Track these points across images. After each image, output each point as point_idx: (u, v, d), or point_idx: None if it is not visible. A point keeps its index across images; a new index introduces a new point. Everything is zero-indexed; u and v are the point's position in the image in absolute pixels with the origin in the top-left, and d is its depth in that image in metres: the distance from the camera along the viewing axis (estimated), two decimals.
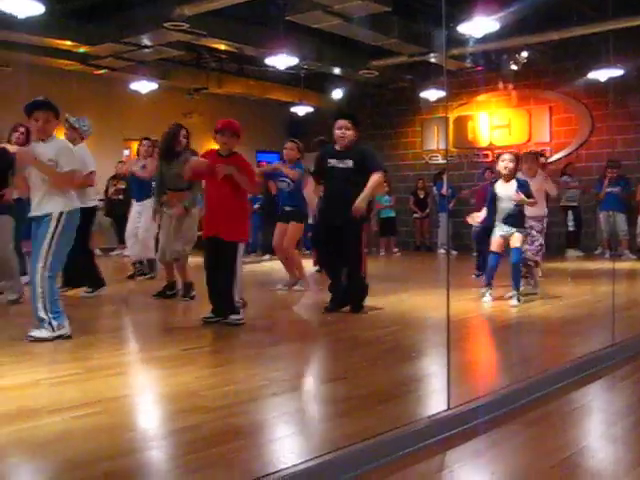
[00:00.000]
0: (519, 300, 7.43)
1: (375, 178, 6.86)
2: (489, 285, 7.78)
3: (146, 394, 4.04)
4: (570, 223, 14.90)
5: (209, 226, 6.40)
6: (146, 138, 10.21)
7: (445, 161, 17.22)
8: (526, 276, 8.25)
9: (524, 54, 14.59)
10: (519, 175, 7.89)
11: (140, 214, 9.77)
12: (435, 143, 17.99)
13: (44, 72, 14.13)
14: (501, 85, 16.52)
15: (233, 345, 5.79)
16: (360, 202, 6.73)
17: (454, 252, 15.55)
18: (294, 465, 2.84)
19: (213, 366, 4.76)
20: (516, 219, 7.63)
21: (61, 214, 5.54)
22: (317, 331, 6.44)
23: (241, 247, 6.31)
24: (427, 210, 17.10)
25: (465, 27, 11.24)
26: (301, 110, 17.55)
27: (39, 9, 9.60)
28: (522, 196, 7.52)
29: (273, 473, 2.74)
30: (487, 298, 7.70)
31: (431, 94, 15.87)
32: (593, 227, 15.09)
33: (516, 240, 7.55)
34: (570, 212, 14.93)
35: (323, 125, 17.13)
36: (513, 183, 7.64)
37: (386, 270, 13.59)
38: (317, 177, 7.44)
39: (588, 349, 5.05)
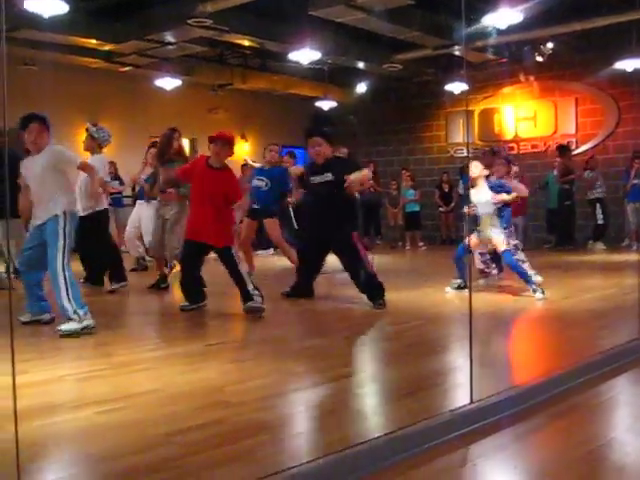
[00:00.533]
0: (542, 293, 7.35)
1: (362, 172, 7.14)
2: (459, 277, 7.76)
3: (169, 389, 4.06)
4: (599, 216, 14.74)
5: (195, 230, 6.73)
6: (153, 144, 10.26)
7: (471, 155, 17.10)
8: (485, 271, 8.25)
9: (549, 45, 14.46)
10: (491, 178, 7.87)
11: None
12: (460, 136, 17.90)
13: (69, 70, 14.24)
14: (522, 77, 16.36)
15: (256, 340, 5.80)
16: (353, 178, 6.88)
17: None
18: (317, 459, 2.84)
19: (236, 361, 4.77)
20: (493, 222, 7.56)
21: (64, 213, 5.86)
22: (340, 326, 6.43)
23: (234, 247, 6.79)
24: (452, 204, 16.99)
25: (489, 19, 11.17)
26: (325, 105, 17.54)
27: (64, 8, 9.67)
28: (502, 195, 7.47)
29: (296, 466, 2.75)
30: (449, 288, 7.76)
31: (456, 87, 15.78)
32: (620, 219, 14.94)
33: (499, 244, 7.49)
34: (598, 205, 14.78)
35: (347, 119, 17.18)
36: (484, 186, 7.56)
37: (411, 264, 13.56)
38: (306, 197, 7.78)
39: (615, 342, 4.99)
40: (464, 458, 3.05)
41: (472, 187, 7.68)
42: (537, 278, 7.66)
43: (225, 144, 6.77)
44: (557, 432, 3.36)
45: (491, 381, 4.05)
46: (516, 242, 8.25)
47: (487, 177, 7.67)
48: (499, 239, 7.48)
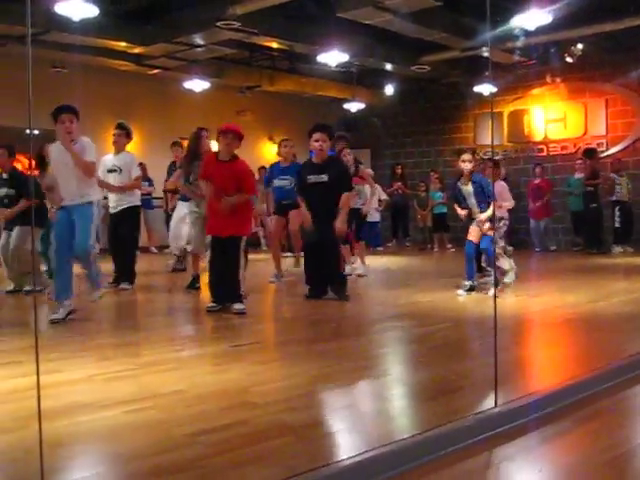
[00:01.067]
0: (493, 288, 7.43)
1: (344, 198, 7.42)
2: (469, 278, 7.83)
3: (196, 390, 4.08)
4: (617, 219, 14.62)
5: (215, 226, 6.82)
6: (175, 142, 10.37)
7: (500, 157, 17.00)
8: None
9: (579, 46, 14.34)
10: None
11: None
12: (489, 138, 17.81)
13: (99, 73, 14.38)
14: (549, 79, 16.26)
15: (282, 341, 5.82)
16: (341, 224, 7.35)
17: (510, 248, 15.38)
18: (342, 460, 2.84)
19: (262, 362, 4.79)
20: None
21: (98, 201, 6.48)
22: (365, 327, 6.43)
23: (243, 240, 6.81)
24: None
25: (518, 20, 11.11)
26: (353, 107, 17.54)
27: (93, 11, 9.76)
28: (485, 222, 7.64)
29: (321, 467, 2.75)
30: (460, 291, 7.79)
31: (484, 88, 15.71)
32: None
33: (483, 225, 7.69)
34: (617, 208, 14.66)
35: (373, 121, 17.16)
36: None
37: (438, 266, 13.52)
38: (300, 193, 7.84)
39: None
40: (488, 461, 3.04)
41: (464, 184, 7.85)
42: (509, 278, 7.88)
43: (234, 136, 6.84)
44: (583, 436, 3.33)
45: (516, 385, 4.03)
46: (503, 245, 8.44)
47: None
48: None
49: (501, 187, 8.43)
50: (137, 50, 13.83)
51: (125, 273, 8.78)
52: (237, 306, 6.66)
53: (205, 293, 7.94)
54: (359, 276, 9.75)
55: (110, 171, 8.75)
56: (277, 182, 9.36)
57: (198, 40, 13.29)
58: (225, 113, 17.24)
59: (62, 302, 6.25)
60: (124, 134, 8.89)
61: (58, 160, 6.44)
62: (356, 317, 7.00)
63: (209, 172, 6.92)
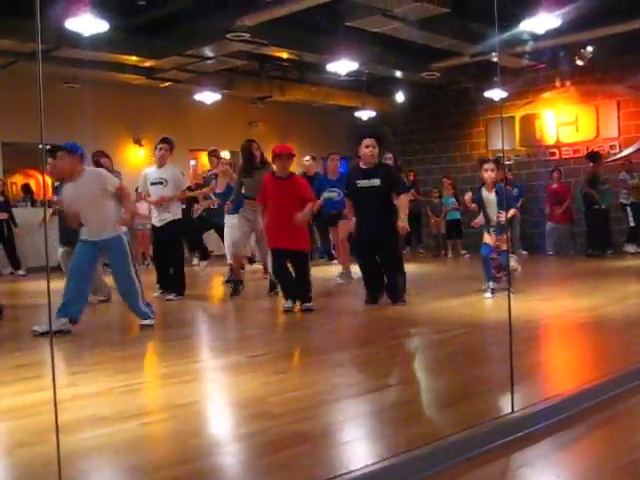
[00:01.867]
0: (491, 293, 7.89)
1: (404, 199, 7.67)
2: (489, 279, 8.01)
3: (213, 401, 4.10)
4: (630, 219, 14.61)
5: (278, 239, 7.36)
6: (213, 152, 10.48)
7: (511, 162, 16.96)
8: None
9: (589, 49, 14.31)
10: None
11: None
12: (501, 143, 17.76)
13: (110, 87, 14.47)
14: (559, 82, 16.23)
15: (298, 351, 5.83)
16: (403, 223, 7.46)
17: (524, 252, 15.36)
18: (359, 468, 2.85)
19: (278, 372, 4.80)
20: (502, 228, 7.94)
21: (124, 232, 6.55)
22: (381, 335, 6.42)
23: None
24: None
25: (527, 24, 11.10)
26: (364, 115, 17.56)
27: (104, 26, 9.82)
28: (503, 215, 7.86)
29: (338, 476, 2.76)
30: (488, 294, 7.95)
31: (495, 94, 15.69)
32: None
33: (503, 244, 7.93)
34: (629, 208, 14.64)
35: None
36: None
37: (452, 273, 13.48)
38: (350, 198, 8.00)
39: None
40: (505, 467, 3.04)
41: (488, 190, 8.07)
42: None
43: (289, 157, 7.43)
44: (599, 441, 3.33)
45: (532, 390, 4.03)
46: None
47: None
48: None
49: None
50: (148, 64, 13.90)
51: (173, 284, 8.95)
52: (308, 305, 7.34)
53: (227, 304, 7.98)
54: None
55: (154, 184, 8.86)
56: (327, 194, 9.89)
57: (208, 52, 13.34)
58: (237, 124, 17.33)
59: (59, 318, 6.23)
60: (168, 148, 9.03)
61: (72, 199, 6.54)
62: (372, 324, 6.99)
63: (267, 193, 7.43)
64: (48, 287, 5.77)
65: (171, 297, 8.74)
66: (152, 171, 9.03)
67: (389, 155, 9.68)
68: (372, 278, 7.75)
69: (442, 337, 6.05)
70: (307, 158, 10.47)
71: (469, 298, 8.21)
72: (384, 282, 7.71)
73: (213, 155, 11.46)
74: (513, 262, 8.37)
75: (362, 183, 7.52)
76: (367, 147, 7.49)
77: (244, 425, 3.56)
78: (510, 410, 3.41)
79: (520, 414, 3.39)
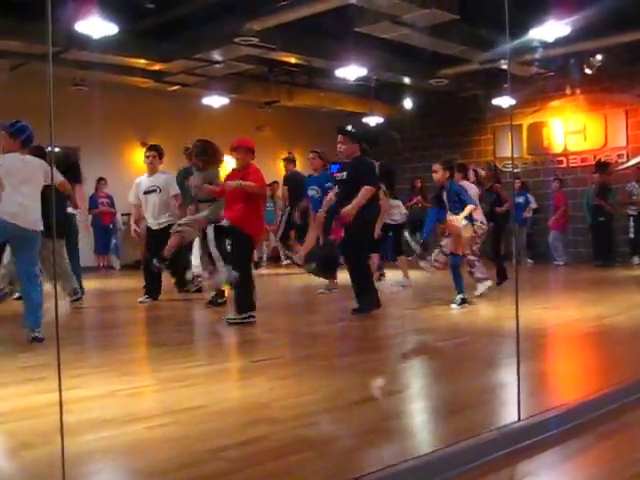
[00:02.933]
0: (461, 304, 7.92)
1: (363, 191, 7.36)
2: (459, 291, 8.09)
3: (216, 405, 4.08)
4: (631, 230, 14.59)
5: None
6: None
7: (519, 169, 16.93)
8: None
9: (598, 58, 14.28)
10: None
11: None
12: (509, 150, 17.74)
13: (118, 90, 14.49)
14: (569, 91, 16.22)
15: (302, 357, 5.80)
16: (349, 209, 7.29)
17: (530, 261, 15.34)
18: (363, 476, 2.83)
19: (282, 377, 4.78)
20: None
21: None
22: (386, 341, 6.42)
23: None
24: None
25: (536, 32, 11.10)
26: (372, 121, 17.56)
27: (113, 29, 9.85)
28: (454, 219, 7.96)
29: None
30: (455, 305, 7.98)
31: (503, 101, 15.67)
32: None
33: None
34: (631, 219, 14.60)
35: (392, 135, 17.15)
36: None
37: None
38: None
39: None
40: (512, 476, 3.01)
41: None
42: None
43: (247, 151, 7.26)
44: (607, 451, 3.30)
45: (539, 398, 4.01)
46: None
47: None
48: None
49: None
50: (156, 67, 13.93)
51: (181, 285, 9.24)
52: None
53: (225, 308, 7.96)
54: (403, 287, 10.03)
55: (148, 192, 8.86)
56: (309, 192, 10.00)
57: (217, 56, 13.36)
58: (244, 129, 17.30)
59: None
60: (157, 155, 9.04)
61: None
62: (377, 331, 6.98)
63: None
64: (55, 288, 5.74)
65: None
66: (144, 180, 9.05)
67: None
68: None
69: (447, 344, 6.03)
70: (311, 155, 10.30)
71: (473, 305, 8.19)
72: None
73: None
74: (478, 272, 8.65)
75: (338, 175, 7.87)
76: (337, 143, 7.77)
77: (248, 430, 3.55)
78: (516, 419, 3.39)
79: (526, 423, 3.37)
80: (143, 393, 4.48)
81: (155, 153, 9.06)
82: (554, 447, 3.27)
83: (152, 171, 9.03)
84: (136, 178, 9.44)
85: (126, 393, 4.35)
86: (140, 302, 8.85)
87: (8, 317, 7.44)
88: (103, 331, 6.51)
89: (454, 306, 7.87)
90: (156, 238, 8.90)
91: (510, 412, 3.51)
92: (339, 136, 7.78)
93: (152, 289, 8.98)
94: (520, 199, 15.18)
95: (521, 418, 3.39)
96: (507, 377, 4.43)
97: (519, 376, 3.60)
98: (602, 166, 14.91)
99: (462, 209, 7.81)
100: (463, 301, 7.91)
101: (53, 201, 7.30)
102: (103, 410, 3.95)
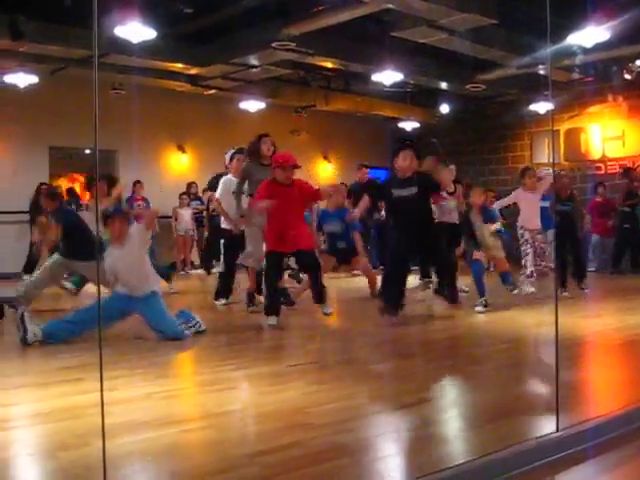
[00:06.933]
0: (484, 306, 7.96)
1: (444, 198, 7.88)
2: (483, 294, 8.20)
3: (252, 409, 4.09)
4: None
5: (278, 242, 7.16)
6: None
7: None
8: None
9: (637, 63, 14.09)
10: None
11: None
12: (546, 156, 17.58)
13: (156, 94, 14.61)
14: (611, 97, 16.04)
15: (339, 362, 5.80)
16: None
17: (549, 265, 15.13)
18: None
19: (318, 383, 4.78)
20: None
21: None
22: (423, 348, 6.38)
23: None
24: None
25: (575, 37, 10.99)
26: (408, 126, 17.51)
27: (151, 34, 9.93)
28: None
29: None
30: (480, 308, 8.03)
31: (541, 106, 15.54)
32: None
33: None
34: None
35: (429, 140, 17.11)
36: None
37: (496, 286, 13.31)
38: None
39: None
40: None
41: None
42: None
43: (294, 168, 7.35)
44: None
45: (579, 408, 3.96)
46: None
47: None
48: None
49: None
50: (193, 71, 14.02)
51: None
52: (327, 309, 7.28)
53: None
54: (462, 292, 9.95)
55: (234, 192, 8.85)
56: (328, 227, 9.84)
57: (254, 61, 13.41)
58: (280, 133, 17.34)
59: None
60: (244, 158, 9.05)
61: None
62: (413, 337, 6.94)
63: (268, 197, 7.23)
64: (99, 290, 5.80)
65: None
66: (233, 181, 8.93)
67: (452, 166, 9.51)
68: (396, 286, 7.54)
69: (484, 351, 5.98)
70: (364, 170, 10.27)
71: (510, 312, 8.12)
72: (404, 295, 7.59)
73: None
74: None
75: (397, 192, 7.43)
76: (404, 159, 7.44)
77: (283, 435, 3.54)
78: (555, 429, 3.35)
79: (565, 433, 3.33)
80: (180, 396, 4.50)
81: (242, 156, 9.06)
82: (593, 459, 3.22)
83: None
84: (224, 177, 9.34)
85: (162, 396, 4.38)
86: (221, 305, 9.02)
87: (46, 317, 7.52)
88: (140, 333, 6.54)
89: (479, 309, 7.94)
90: (233, 240, 8.86)
91: (548, 422, 3.46)
92: (406, 151, 7.48)
93: (225, 291, 9.09)
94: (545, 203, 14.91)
95: (559, 429, 3.35)
96: (545, 386, 4.39)
97: (558, 386, 3.55)
98: (625, 171, 14.83)
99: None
100: (486, 304, 7.97)
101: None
102: (140, 412, 3.98)
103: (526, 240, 8.86)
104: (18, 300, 7.89)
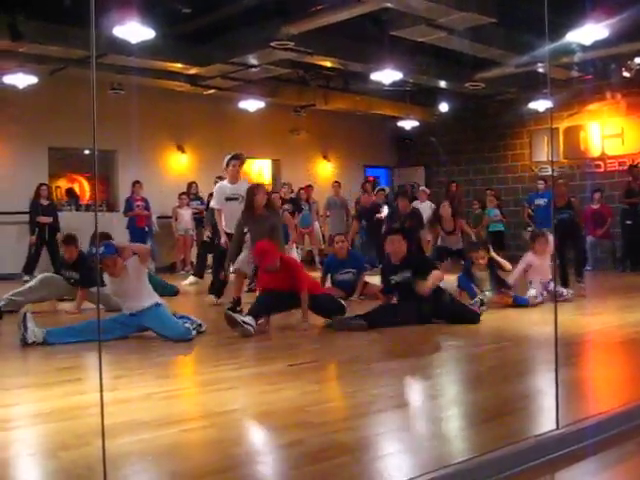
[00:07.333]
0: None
1: (436, 274, 7.31)
2: (474, 295, 8.27)
3: (252, 409, 4.09)
4: None
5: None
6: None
7: (556, 173, 16.76)
8: None
9: (637, 61, 14.09)
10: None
11: None
12: (545, 154, 17.57)
13: (155, 94, 14.61)
14: (609, 95, 16.03)
15: (338, 361, 5.80)
16: (424, 285, 7.14)
17: None
18: None
19: (319, 382, 4.78)
20: None
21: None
22: (423, 347, 6.38)
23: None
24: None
25: (573, 35, 10.98)
26: (407, 124, 17.52)
27: (150, 34, 9.92)
28: None
29: None
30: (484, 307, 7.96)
31: (540, 104, 15.54)
32: None
33: None
34: None
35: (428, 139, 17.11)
36: None
37: None
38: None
39: None
40: None
41: None
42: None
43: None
44: None
45: (578, 406, 3.96)
46: None
47: None
48: None
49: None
50: (193, 71, 14.01)
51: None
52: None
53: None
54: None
55: (229, 199, 8.89)
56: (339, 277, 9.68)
57: (253, 60, 13.40)
58: (279, 132, 17.41)
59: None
60: (240, 164, 9.08)
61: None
62: (412, 336, 6.95)
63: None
64: (98, 294, 5.77)
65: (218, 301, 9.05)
66: (228, 186, 8.96)
67: (424, 189, 9.55)
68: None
69: (483, 350, 5.99)
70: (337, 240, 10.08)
71: (511, 311, 8.13)
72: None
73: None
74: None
75: (395, 278, 7.49)
76: (392, 243, 7.53)
77: (283, 434, 3.55)
78: (555, 426, 3.35)
79: (565, 431, 3.33)
80: (180, 396, 4.50)
81: (239, 162, 9.09)
82: (593, 456, 3.23)
83: (235, 179, 9.04)
84: (218, 183, 9.41)
85: (162, 396, 4.38)
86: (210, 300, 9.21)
87: (47, 320, 7.52)
88: (139, 334, 6.55)
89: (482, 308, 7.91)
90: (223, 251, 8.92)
91: (548, 420, 3.47)
92: (393, 236, 7.63)
93: (218, 289, 9.30)
94: (542, 200, 14.87)
95: (560, 426, 3.35)
96: (545, 384, 4.39)
97: (557, 383, 3.56)
98: (630, 169, 14.90)
99: None
100: (482, 302, 7.93)
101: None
102: (140, 412, 3.98)
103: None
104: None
